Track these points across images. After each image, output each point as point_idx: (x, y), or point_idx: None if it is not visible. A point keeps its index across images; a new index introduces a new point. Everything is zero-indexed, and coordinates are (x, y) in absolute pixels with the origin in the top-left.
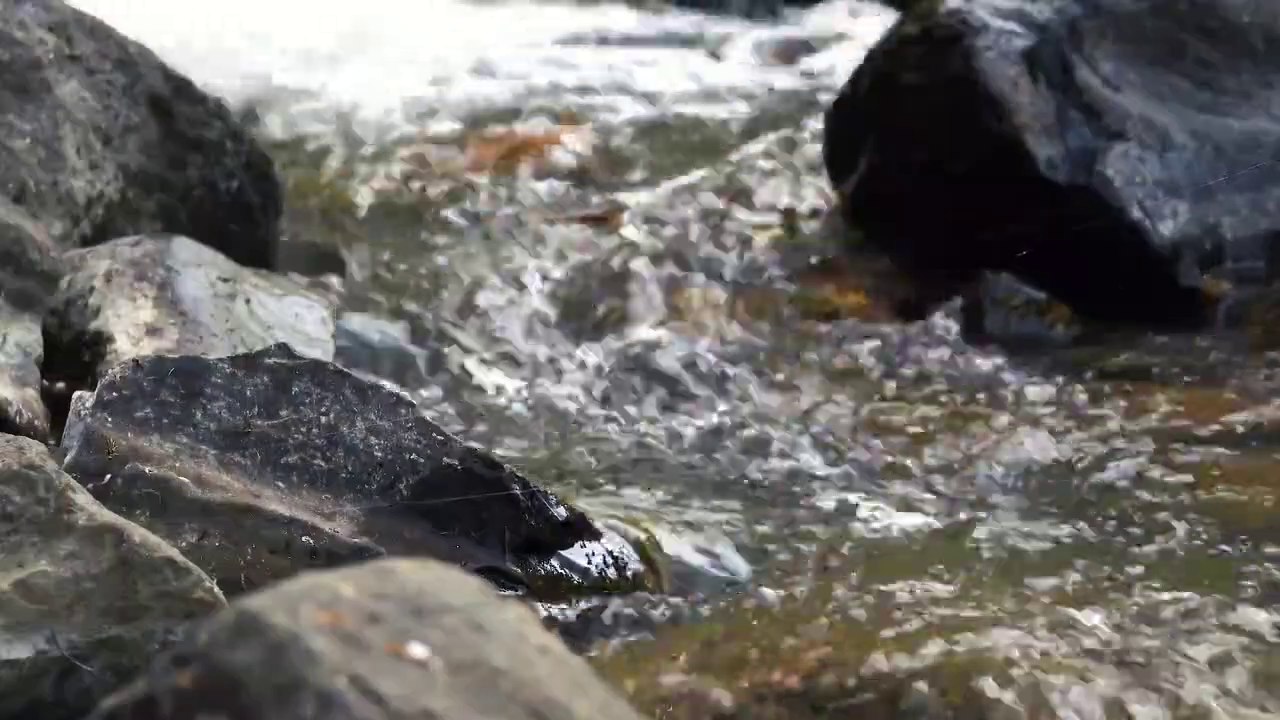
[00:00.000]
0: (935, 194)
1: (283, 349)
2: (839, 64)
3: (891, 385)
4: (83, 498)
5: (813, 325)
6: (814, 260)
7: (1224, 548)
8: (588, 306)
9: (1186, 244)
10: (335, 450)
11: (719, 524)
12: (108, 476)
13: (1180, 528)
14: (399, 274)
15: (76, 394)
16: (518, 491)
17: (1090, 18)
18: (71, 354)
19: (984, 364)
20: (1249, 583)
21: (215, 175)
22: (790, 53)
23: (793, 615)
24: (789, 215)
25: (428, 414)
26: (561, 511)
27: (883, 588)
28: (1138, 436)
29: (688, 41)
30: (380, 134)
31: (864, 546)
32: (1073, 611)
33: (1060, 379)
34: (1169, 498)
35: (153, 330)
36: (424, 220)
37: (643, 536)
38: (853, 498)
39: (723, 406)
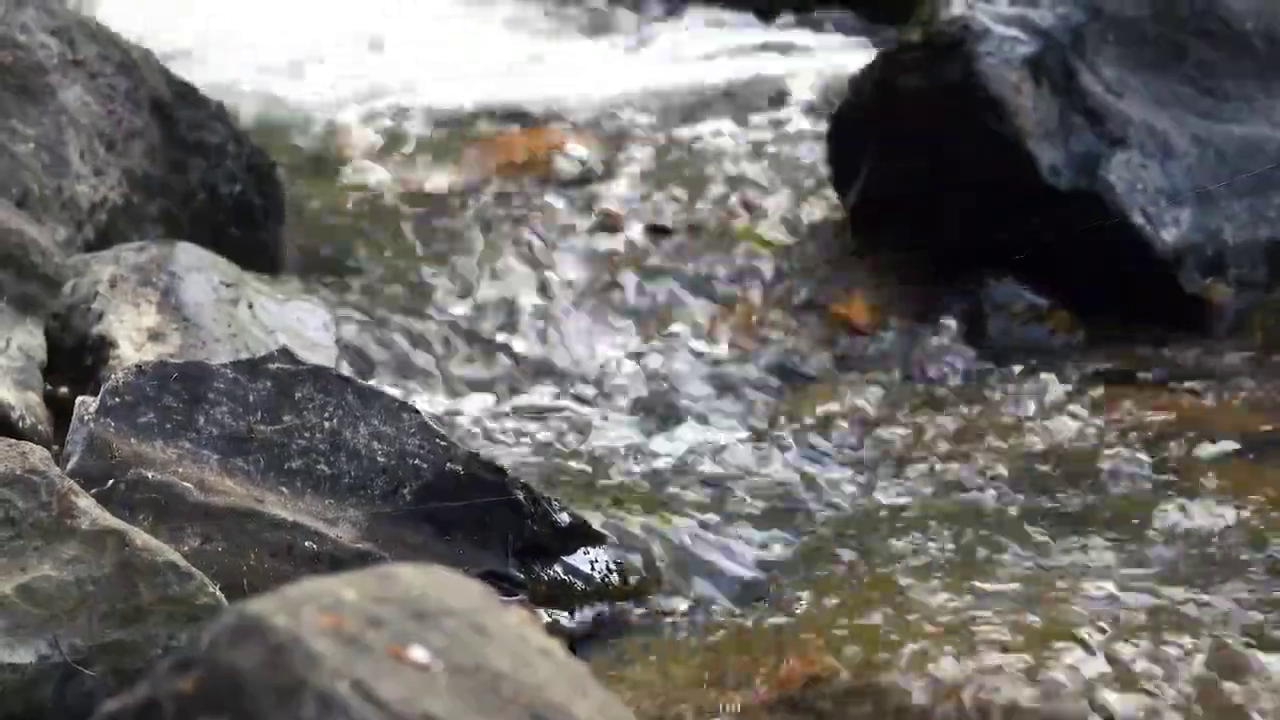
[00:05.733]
0: (938, 200)
1: (285, 354)
2: (843, 69)
3: (894, 391)
4: (85, 502)
5: (815, 331)
6: (817, 267)
7: (1226, 553)
8: (591, 312)
9: (1188, 250)
10: (338, 455)
11: (722, 529)
12: (110, 481)
13: (1182, 534)
14: (402, 278)
15: (79, 399)
16: (521, 497)
17: (1092, 23)
18: (74, 359)
19: (987, 370)
20: (1251, 587)
21: (217, 179)
22: (795, 56)
23: (796, 621)
24: (792, 222)
25: (430, 419)
26: (564, 517)
27: (886, 594)
28: (1140, 442)
29: (692, 44)
30: (385, 137)
31: (867, 552)
32: (1074, 618)
33: (1062, 385)
34: (1170, 504)
35: (155, 335)
36: (427, 224)
37: (646, 542)
38: (855, 504)
39: (726, 412)
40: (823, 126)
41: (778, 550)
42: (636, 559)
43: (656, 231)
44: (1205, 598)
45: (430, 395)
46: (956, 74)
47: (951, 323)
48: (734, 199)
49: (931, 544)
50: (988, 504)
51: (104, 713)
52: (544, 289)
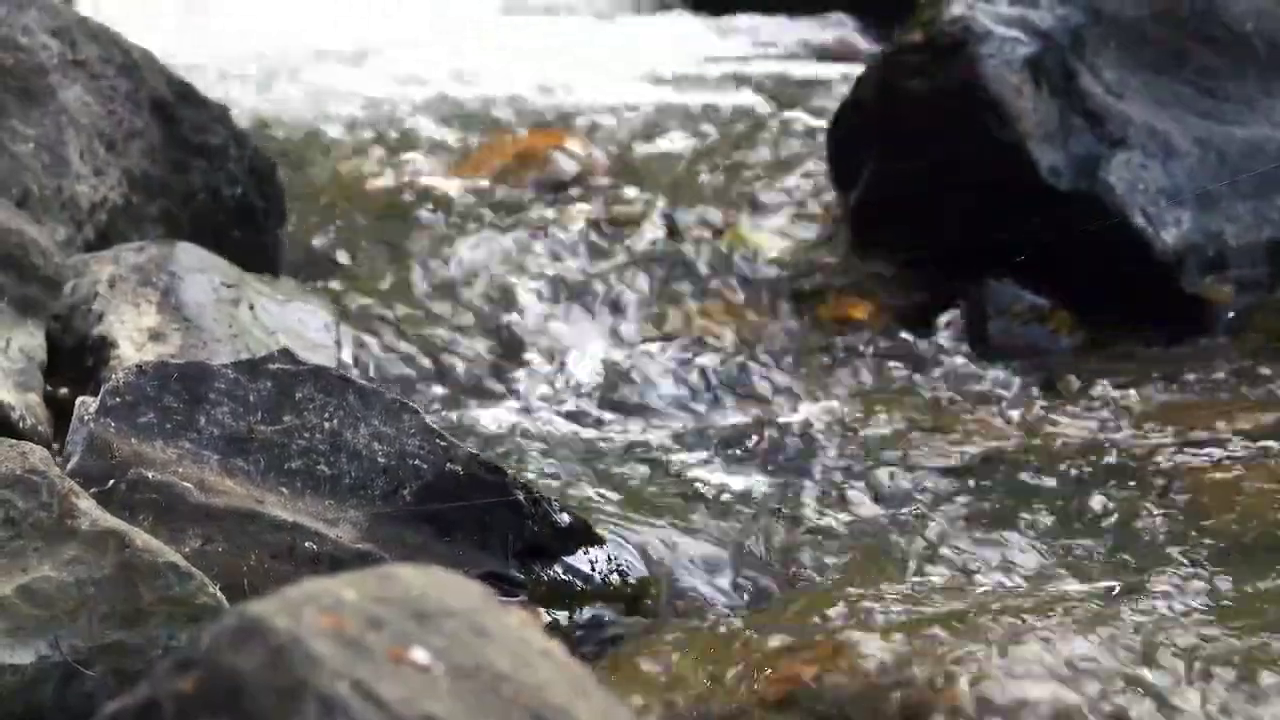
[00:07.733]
0: (938, 201)
1: (286, 354)
2: (844, 70)
3: (894, 392)
4: (86, 503)
5: (816, 332)
6: (818, 267)
7: (1225, 554)
8: (592, 313)
9: (1189, 251)
10: (338, 456)
11: (721, 529)
12: (111, 482)
13: (1182, 535)
14: (403, 279)
15: (80, 399)
16: (521, 497)
17: (1093, 25)
18: (75, 359)
19: (987, 370)
20: (1252, 585)
21: (219, 180)
22: (797, 58)
23: (795, 622)
24: (792, 221)
25: (431, 419)
26: (564, 517)
27: (883, 596)
28: (1140, 443)
29: (694, 46)
30: (385, 139)
31: (865, 554)
32: (1072, 620)
33: (1062, 385)
34: (1170, 505)
35: (156, 335)
36: (428, 225)
37: (645, 543)
38: (855, 505)
39: (727, 415)
40: (824, 126)
41: (777, 550)
42: (636, 559)
43: (655, 230)
44: (1206, 596)
45: (430, 395)
46: (957, 75)
47: (952, 323)
48: (734, 198)
49: (932, 544)
50: (988, 504)
51: (105, 713)
52: (544, 289)
